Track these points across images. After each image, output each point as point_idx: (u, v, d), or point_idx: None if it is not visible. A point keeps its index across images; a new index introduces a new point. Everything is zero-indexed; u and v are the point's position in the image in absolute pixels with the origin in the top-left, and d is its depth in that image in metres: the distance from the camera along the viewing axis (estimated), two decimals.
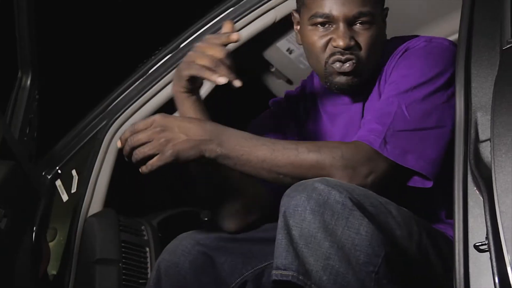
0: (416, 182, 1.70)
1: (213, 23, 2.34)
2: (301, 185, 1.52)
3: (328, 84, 1.83)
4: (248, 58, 2.62)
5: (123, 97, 2.42)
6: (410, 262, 1.59)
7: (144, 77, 2.40)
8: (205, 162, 1.64)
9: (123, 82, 2.42)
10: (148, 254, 2.37)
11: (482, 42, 1.64)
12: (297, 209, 1.48)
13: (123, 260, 2.28)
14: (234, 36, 1.70)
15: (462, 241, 1.53)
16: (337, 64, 1.78)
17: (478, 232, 1.50)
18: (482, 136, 1.56)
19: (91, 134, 2.43)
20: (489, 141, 1.50)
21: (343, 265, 1.45)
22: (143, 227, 2.40)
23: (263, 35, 2.36)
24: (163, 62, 2.38)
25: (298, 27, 1.88)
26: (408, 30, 2.64)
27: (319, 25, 1.79)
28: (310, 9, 1.80)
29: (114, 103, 2.43)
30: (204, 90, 2.40)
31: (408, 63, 1.77)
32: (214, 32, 2.31)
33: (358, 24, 1.78)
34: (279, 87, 2.80)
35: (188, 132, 1.61)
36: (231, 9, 2.33)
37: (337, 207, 1.48)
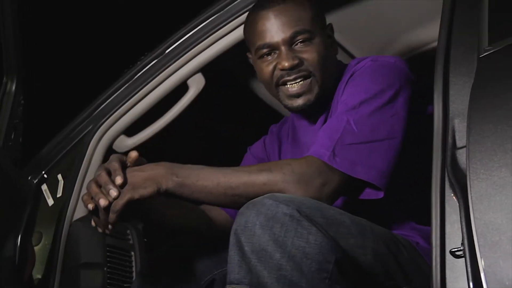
0: (368, 194, 1.74)
1: (198, 29, 2.35)
2: (252, 202, 1.56)
3: (288, 107, 1.92)
4: (237, 62, 2.64)
5: (109, 102, 2.43)
6: (365, 268, 1.62)
7: (130, 82, 2.41)
8: (163, 194, 1.67)
9: (109, 87, 2.43)
10: (133, 258, 2.38)
11: (460, 50, 1.66)
12: (248, 225, 1.52)
13: (108, 264, 2.29)
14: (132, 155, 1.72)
15: (439, 247, 1.55)
16: (287, 86, 1.88)
17: (455, 238, 1.52)
18: (459, 143, 1.58)
19: (77, 139, 2.44)
20: (465, 148, 1.52)
21: (295, 274, 1.48)
22: (128, 232, 2.41)
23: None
24: (149, 67, 2.40)
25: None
26: (392, 36, 2.67)
27: (265, 56, 1.91)
28: (254, 44, 1.92)
29: (100, 108, 2.44)
30: (189, 97, 2.43)
31: (355, 82, 1.84)
32: (201, 37, 2.34)
33: (298, 43, 1.89)
34: (265, 91, 2.81)
35: (143, 170, 1.68)
36: (217, 14, 2.34)
37: (285, 219, 1.51)
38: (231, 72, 2.75)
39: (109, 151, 2.46)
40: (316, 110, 1.92)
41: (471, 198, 1.45)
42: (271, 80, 1.91)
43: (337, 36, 2.59)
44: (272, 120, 2.47)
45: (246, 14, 2.28)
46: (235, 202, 1.67)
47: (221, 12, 2.33)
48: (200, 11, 2.36)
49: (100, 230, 1.68)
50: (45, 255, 2.29)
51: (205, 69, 2.41)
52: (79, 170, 2.38)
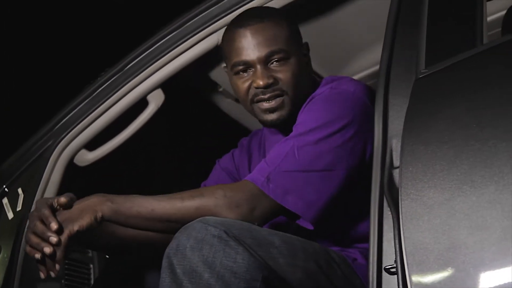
0: (302, 221, 1.79)
1: (158, 45, 2.39)
2: (184, 227, 1.61)
3: (262, 122, 1.98)
4: (196, 79, 2.69)
5: (69, 117, 2.46)
6: (294, 286, 1.66)
7: (91, 97, 2.44)
8: (100, 223, 1.70)
9: (69, 102, 2.47)
10: (91, 271, 2.41)
11: (400, 71, 1.71)
12: (179, 248, 1.57)
13: (66, 277, 2.32)
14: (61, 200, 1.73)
15: (376, 264, 1.59)
16: (262, 104, 1.92)
17: (391, 255, 1.56)
18: (395, 163, 1.62)
19: (38, 154, 2.47)
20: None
21: None
22: None
23: (207, 57, 2.41)
24: (109, 83, 2.43)
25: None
26: (352, 52, 2.72)
27: (241, 72, 1.94)
28: (231, 60, 1.96)
29: (61, 123, 2.47)
30: (148, 112, 2.46)
31: (309, 109, 1.88)
32: (160, 53, 2.38)
33: (274, 62, 1.92)
34: (228, 106, 2.86)
35: (77, 203, 1.71)
36: (176, 31, 2.38)
37: (214, 241, 1.56)
38: (191, 88, 2.78)
39: (70, 165, 2.49)
40: (289, 125, 1.94)
41: (401, 218, 1.49)
42: (246, 97, 1.95)
43: None
44: (236, 133, 2.51)
45: (205, 30, 2.34)
46: (171, 228, 1.71)
47: (180, 28, 2.36)
48: (159, 28, 2.40)
49: (52, 274, 1.70)
50: (3, 268, 2.32)
51: (165, 85, 2.45)
52: (39, 184, 2.41)
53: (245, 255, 1.57)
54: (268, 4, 2.25)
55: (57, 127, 2.48)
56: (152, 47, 2.39)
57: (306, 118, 1.85)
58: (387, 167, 1.63)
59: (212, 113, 2.88)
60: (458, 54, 1.60)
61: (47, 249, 1.65)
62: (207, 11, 2.31)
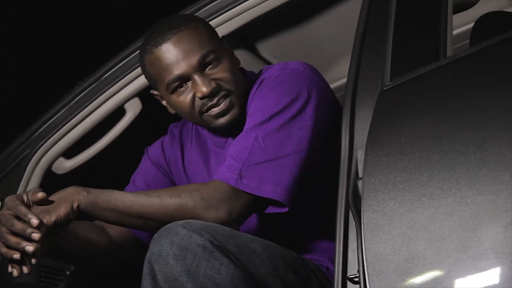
0: (272, 209, 1.76)
1: (135, 55, 2.41)
2: (166, 230, 1.59)
3: (214, 129, 1.91)
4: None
5: (47, 125, 2.48)
6: None
7: (68, 106, 2.47)
8: (77, 214, 1.66)
9: (47, 110, 2.49)
10: None
11: (366, 83, 1.73)
12: (161, 254, 1.55)
13: (42, 284, 2.33)
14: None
15: (341, 273, 1.61)
16: (212, 110, 1.85)
17: (355, 265, 1.58)
18: (360, 174, 1.64)
19: (15, 162, 2.49)
20: None
21: None
22: None
23: None
24: (87, 92, 2.46)
25: (164, 101, 1.94)
26: (328, 61, 2.75)
27: (178, 89, 1.85)
28: (163, 81, 1.86)
29: (39, 131, 2.49)
30: (126, 121, 2.49)
31: (263, 95, 1.83)
32: (137, 62, 2.39)
33: (208, 66, 1.84)
34: None
35: (53, 196, 1.67)
36: None
37: (198, 250, 1.55)
38: None
39: (48, 173, 2.51)
40: (235, 127, 1.90)
41: (363, 228, 1.52)
42: (192, 110, 1.86)
43: (272, 61, 2.68)
44: None
45: None
46: (147, 225, 1.70)
47: None
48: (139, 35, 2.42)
49: (26, 270, 1.65)
50: None
51: (142, 94, 2.47)
52: (16, 193, 2.42)
53: (230, 267, 1.57)
54: (247, 13, 2.28)
55: (34, 135, 2.50)
56: (129, 56, 2.42)
57: (263, 104, 1.80)
58: (352, 178, 1.65)
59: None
60: (422, 67, 1.63)
61: (30, 248, 1.58)
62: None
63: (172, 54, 1.83)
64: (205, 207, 1.69)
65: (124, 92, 2.44)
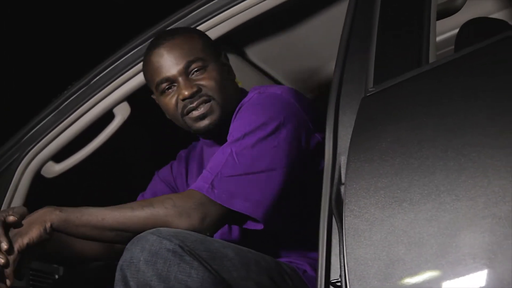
0: (249, 224, 1.81)
1: (124, 59, 2.42)
2: (137, 238, 1.63)
3: (196, 131, 2.00)
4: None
5: (36, 129, 2.49)
6: None
7: (58, 110, 2.48)
8: (51, 233, 1.70)
9: (36, 115, 2.50)
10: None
11: (350, 89, 1.74)
12: (133, 261, 1.59)
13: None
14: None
15: (324, 277, 1.62)
16: (192, 113, 1.96)
17: (338, 269, 1.60)
18: (343, 179, 1.66)
19: (4, 167, 2.49)
20: None
21: None
22: None
23: None
24: (76, 96, 2.46)
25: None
26: (319, 63, 2.76)
27: (166, 90, 1.99)
28: (153, 81, 2.01)
29: (28, 135, 2.49)
30: (114, 125, 2.50)
31: (241, 115, 1.92)
32: (126, 67, 2.41)
33: (194, 72, 1.97)
34: None
35: (28, 217, 1.71)
36: (141, 46, 2.40)
37: (168, 255, 1.58)
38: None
39: (38, 177, 2.52)
40: (223, 135, 1.98)
41: (344, 233, 1.53)
42: (176, 112, 1.99)
43: (261, 65, 2.70)
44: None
45: None
46: (121, 237, 1.73)
47: (144, 44, 2.39)
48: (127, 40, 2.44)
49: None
50: None
51: (131, 98, 2.49)
52: (5, 197, 2.43)
53: (200, 270, 1.60)
54: (236, 17, 2.30)
55: (24, 139, 2.50)
56: (117, 61, 2.42)
57: (240, 124, 1.89)
58: (336, 183, 1.66)
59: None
60: (404, 73, 1.64)
61: None
62: (171, 26, 2.34)
63: (163, 58, 1.99)
64: (177, 215, 1.73)
65: (113, 96, 2.45)
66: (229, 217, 1.79)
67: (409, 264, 1.42)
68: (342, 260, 1.55)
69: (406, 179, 1.48)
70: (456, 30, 2.07)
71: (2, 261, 1.64)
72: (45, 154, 2.50)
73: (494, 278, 1.33)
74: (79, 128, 2.49)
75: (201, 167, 2.16)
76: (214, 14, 2.32)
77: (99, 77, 2.44)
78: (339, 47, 1.82)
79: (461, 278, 1.36)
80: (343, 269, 1.54)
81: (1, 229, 1.68)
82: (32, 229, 1.68)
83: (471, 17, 2.11)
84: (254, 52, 2.70)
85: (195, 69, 1.97)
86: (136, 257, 1.58)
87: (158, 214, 1.73)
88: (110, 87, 2.44)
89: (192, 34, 2.06)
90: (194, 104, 1.95)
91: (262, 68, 2.74)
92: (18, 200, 2.45)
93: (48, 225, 1.70)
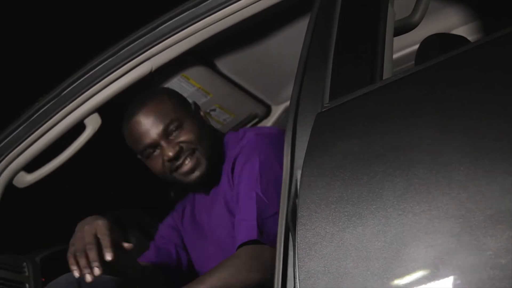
0: None
1: (95, 71, 2.44)
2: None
3: (188, 184, 2.17)
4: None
5: (7, 140, 2.50)
6: None
7: (28, 121, 2.49)
8: None
9: (6, 127, 2.52)
10: None
11: (307, 104, 1.77)
12: None
13: None
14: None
15: None
16: (181, 169, 2.13)
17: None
18: (298, 193, 1.70)
19: None
20: None
21: None
22: (24, 264, 2.46)
23: (142, 82, 2.47)
24: (47, 108, 2.48)
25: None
26: (284, 82, 2.79)
27: (150, 155, 2.16)
28: (137, 149, 2.19)
29: None
30: (85, 136, 2.52)
31: (248, 158, 2.08)
32: (97, 78, 2.44)
33: (173, 132, 2.13)
34: None
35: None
36: (113, 57, 2.43)
37: None
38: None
39: (10, 186, 2.55)
40: (210, 180, 2.17)
41: (296, 247, 1.56)
42: (164, 171, 2.16)
43: (233, 77, 2.73)
44: None
45: (138, 57, 2.40)
46: None
47: (117, 54, 2.42)
48: (96, 55, 2.47)
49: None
50: None
51: (102, 109, 2.51)
52: None
53: None
54: (206, 30, 2.33)
55: None
56: (87, 73, 2.44)
57: (251, 167, 2.04)
58: (292, 197, 1.69)
59: None
60: (358, 89, 1.68)
61: (89, 277, 1.75)
62: (140, 40, 2.37)
63: (141, 126, 2.18)
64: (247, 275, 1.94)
65: (84, 107, 2.47)
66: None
67: (357, 278, 1.46)
68: (296, 273, 1.59)
69: (356, 194, 1.51)
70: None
71: (98, 272, 1.76)
72: (16, 165, 2.52)
73: None
74: (51, 138, 2.51)
75: (193, 208, 2.32)
76: (184, 27, 2.35)
77: (70, 89, 2.46)
78: (298, 64, 1.85)
79: None
80: (296, 281, 1.58)
81: (109, 241, 1.81)
82: None
83: (433, 32, 2.15)
84: (224, 63, 2.73)
85: (173, 129, 2.14)
86: None
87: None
88: (80, 99, 2.46)
89: (162, 96, 2.22)
90: (180, 161, 2.12)
91: (233, 80, 2.78)
92: None
93: None
